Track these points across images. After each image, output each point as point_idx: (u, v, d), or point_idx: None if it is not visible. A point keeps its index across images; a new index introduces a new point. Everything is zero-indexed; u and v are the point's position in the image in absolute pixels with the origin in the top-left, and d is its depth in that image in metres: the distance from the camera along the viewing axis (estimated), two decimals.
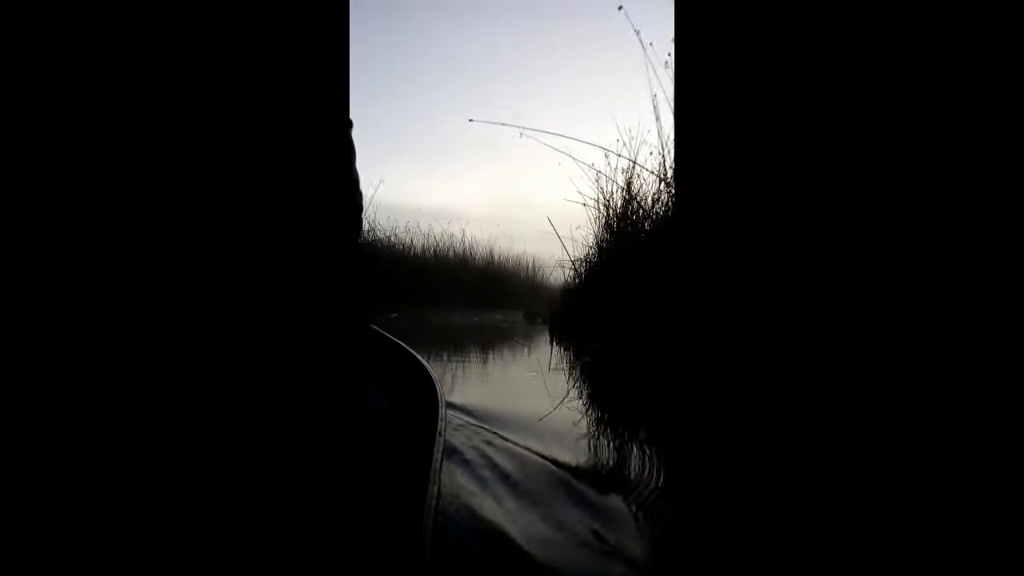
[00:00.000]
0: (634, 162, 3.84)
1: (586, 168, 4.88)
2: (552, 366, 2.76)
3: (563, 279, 6.19)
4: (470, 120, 3.62)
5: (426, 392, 1.46)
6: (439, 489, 0.79)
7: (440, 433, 1.02)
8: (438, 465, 0.86)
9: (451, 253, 10.81)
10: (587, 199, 4.71)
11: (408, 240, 10.21)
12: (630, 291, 3.38)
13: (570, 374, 2.50)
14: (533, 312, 7.09)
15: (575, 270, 5.84)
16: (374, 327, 2.37)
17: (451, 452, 1.12)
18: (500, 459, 1.10)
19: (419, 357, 1.90)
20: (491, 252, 11.54)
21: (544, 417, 1.54)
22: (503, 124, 3.66)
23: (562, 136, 4.29)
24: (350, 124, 0.81)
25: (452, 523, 0.76)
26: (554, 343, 4.07)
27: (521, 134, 3.77)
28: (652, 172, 3.78)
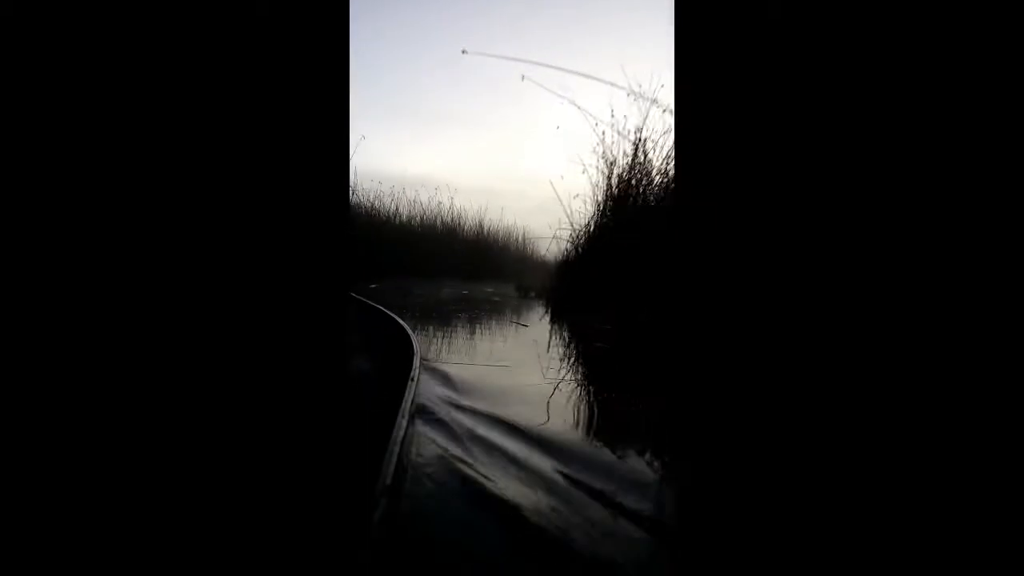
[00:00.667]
0: (654, 101, 3.30)
1: (591, 123, 4.35)
2: (552, 345, 2.28)
3: (559, 252, 5.77)
4: (463, 52, 3.05)
5: (402, 349, 1.52)
6: (407, 427, 0.81)
7: (413, 379, 1.09)
8: (408, 405, 0.90)
9: (438, 222, 10.25)
10: (587, 166, 4.22)
11: (392, 207, 9.66)
12: (633, 265, 2.98)
13: (569, 355, 2.09)
14: (525, 286, 6.58)
15: (573, 242, 5.38)
16: (352, 294, 2.51)
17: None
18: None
19: (394, 316, 2.00)
20: (481, 222, 11.00)
21: (549, 397, 1.22)
22: (501, 57, 3.10)
23: (568, 72, 3.72)
24: None
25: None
26: (551, 320, 3.57)
27: (523, 77, 3.24)
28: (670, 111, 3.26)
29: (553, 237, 5.94)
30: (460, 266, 9.66)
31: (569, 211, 5.24)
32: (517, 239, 12.14)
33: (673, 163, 3.37)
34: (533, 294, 5.70)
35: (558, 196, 4.26)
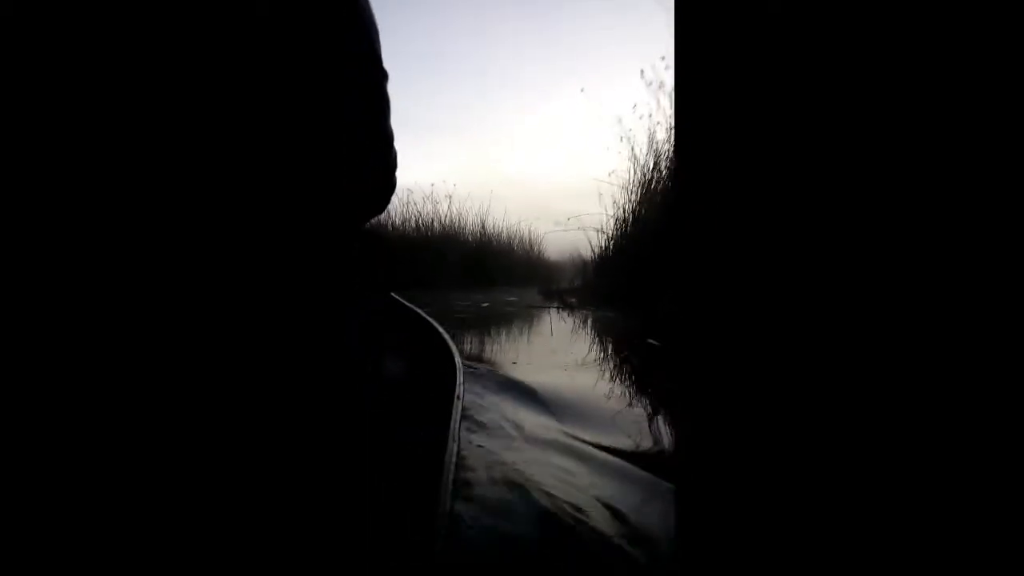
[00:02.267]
0: None
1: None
2: None
3: (593, 245, 4.69)
4: None
5: (444, 358, 1.41)
6: (458, 448, 0.77)
7: (458, 397, 1.02)
8: (456, 426, 0.86)
9: (435, 224, 9.06)
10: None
11: (383, 213, 8.47)
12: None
13: None
14: (555, 290, 5.42)
15: (617, 228, 4.29)
16: (393, 295, 2.17)
17: None
18: None
19: (435, 324, 1.75)
20: (483, 223, 9.83)
21: None
22: None
23: None
24: (385, 76, 0.66)
25: None
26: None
27: None
28: None
29: (577, 228, 4.83)
30: (464, 273, 8.51)
31: (604, 195, 4.15)
32: (523, 240, 11.05)
33: None
34: (572, 301, 4.52)
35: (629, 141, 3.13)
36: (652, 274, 3.41)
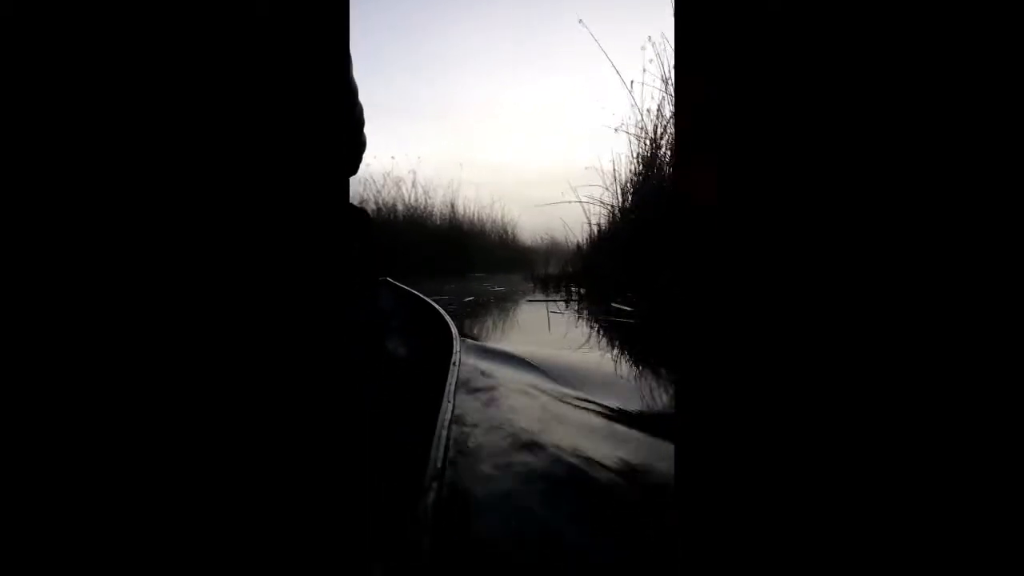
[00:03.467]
0: None
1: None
2: None
3: (594, 223, 3.82)
4: None
5: (442, 334, 1.46)
6: (453, 407, 0.79)
7: (454, 364, 1.06)
8: (452, 388, 0.87)
9: (399, 206, 7.99)
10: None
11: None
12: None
13: None
14: (548, 277, 4.49)
15: (636, 183, 3.43)
16: (388, 279, 2.40)
17: None
18: None
19: (431, 302, 1.90)
20: (452, 205, 8.80)
21: None
22: None
23: None
24: None
25: None
26: None
27: None
28: None
29: (576, 200, 3.91)
30: (432, 260, 7.50)
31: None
32: (496, 223, 10.09)
33: None
34: (582, 290, 3.58)
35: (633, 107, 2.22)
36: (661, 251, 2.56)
